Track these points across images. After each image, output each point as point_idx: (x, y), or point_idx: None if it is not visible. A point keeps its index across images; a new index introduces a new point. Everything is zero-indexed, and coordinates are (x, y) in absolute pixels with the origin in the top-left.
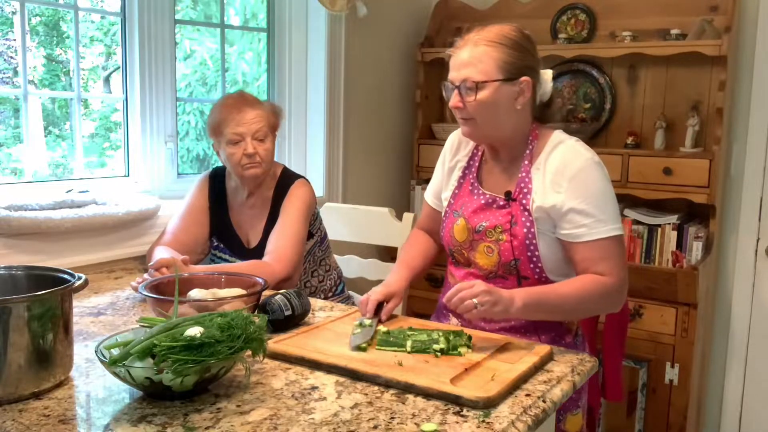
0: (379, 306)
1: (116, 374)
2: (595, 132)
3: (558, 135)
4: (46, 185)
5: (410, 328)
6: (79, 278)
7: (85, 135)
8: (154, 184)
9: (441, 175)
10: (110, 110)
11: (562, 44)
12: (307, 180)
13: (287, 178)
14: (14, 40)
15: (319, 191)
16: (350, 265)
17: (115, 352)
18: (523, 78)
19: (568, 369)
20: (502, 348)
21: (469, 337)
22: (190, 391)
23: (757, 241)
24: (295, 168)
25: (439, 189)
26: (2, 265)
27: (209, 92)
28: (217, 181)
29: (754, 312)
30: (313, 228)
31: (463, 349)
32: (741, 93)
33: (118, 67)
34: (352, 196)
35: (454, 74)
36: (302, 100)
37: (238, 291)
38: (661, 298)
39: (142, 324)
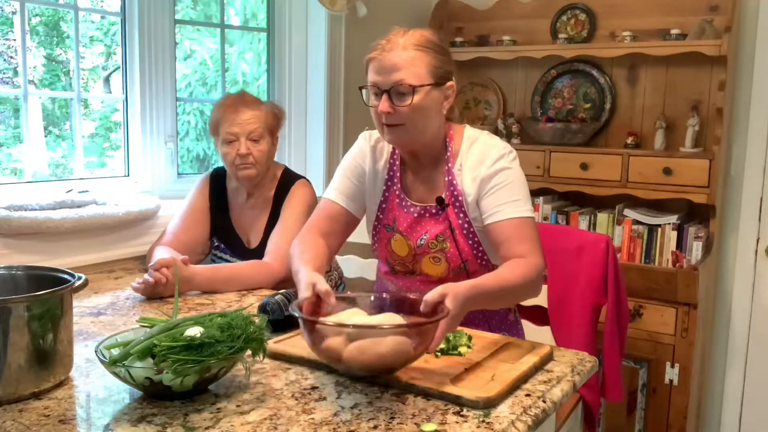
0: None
1: (116, 374)
2: (595, 132)
3: (469, 131)
4: (46, 185)
5: None
6: (79, 278)
7: (85, 135)
8: (154, 184)
9: (358, 178)
10: (110, 110)
11: (562, 44)
12: (308, 180)
13: (288, 179)
14: (14, 40)
15: (319, 191)
16: (350, 266)
17: (115, 352)
18: (450, 83)
19: (568, 369)
20: (502, 348)
21: (469, 337)
22: (190, 391)
23: (757, 241)
24: (295, 168)
25: (356, 192)
26: (2, 265)
27: (209, 92)
28: (217, 181)
29: (754, 312)
30: None
31: (463, 349)
32: (741, 93)
33: (118, 67)
34: None
35: (382, 78)
36: (302, 100)
37: (395, 317)
38: (661, 298)
39: (142, 324)
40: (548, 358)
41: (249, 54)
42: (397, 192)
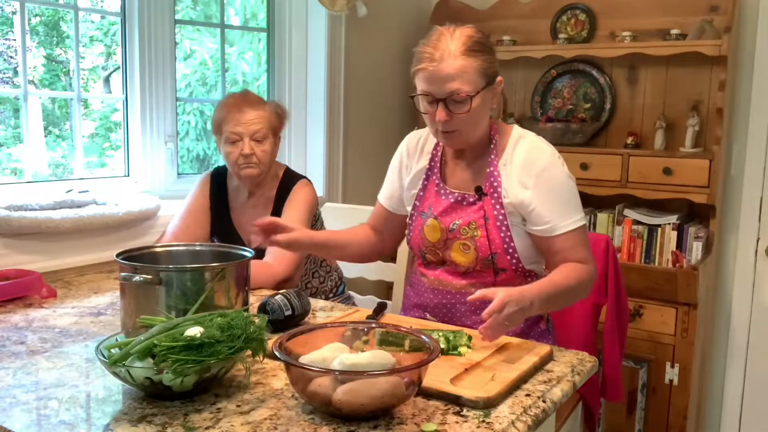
0: (380, 308)
1: (116, 374)
2: (595, 132)
3: (517, 130)
4: (46, 185)
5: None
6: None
7: (85, 135)
8: (154, 184)
9: (397, 177)
10: (110, 110)
11: (562, 44)
12: (309, 180)
13: (290, 179)
14: (14, 40)
15: (319, 191)
16: (350, 266)
17: (115, 352)
18: (499, 78)
19: (568, 369)
20: (502, 348)
21: (469, 337)
22: (190, 391)
23: (757, 241)
24: (295, 168)
25: (395, 191)
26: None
27: (209, 92)
28: (218, 180)
29: (754, 312)
30: (315, 228)
31: (463, 349)
32: (741, 93)
33: (118, 67)
34: (352, 196)
35: (435, 88)
36: (302, 100)
37: (384, 355)
38: (661, 298)
39: (142, 324)
40: (548, 358)
41: (249, 54)
42: (436, 180)
